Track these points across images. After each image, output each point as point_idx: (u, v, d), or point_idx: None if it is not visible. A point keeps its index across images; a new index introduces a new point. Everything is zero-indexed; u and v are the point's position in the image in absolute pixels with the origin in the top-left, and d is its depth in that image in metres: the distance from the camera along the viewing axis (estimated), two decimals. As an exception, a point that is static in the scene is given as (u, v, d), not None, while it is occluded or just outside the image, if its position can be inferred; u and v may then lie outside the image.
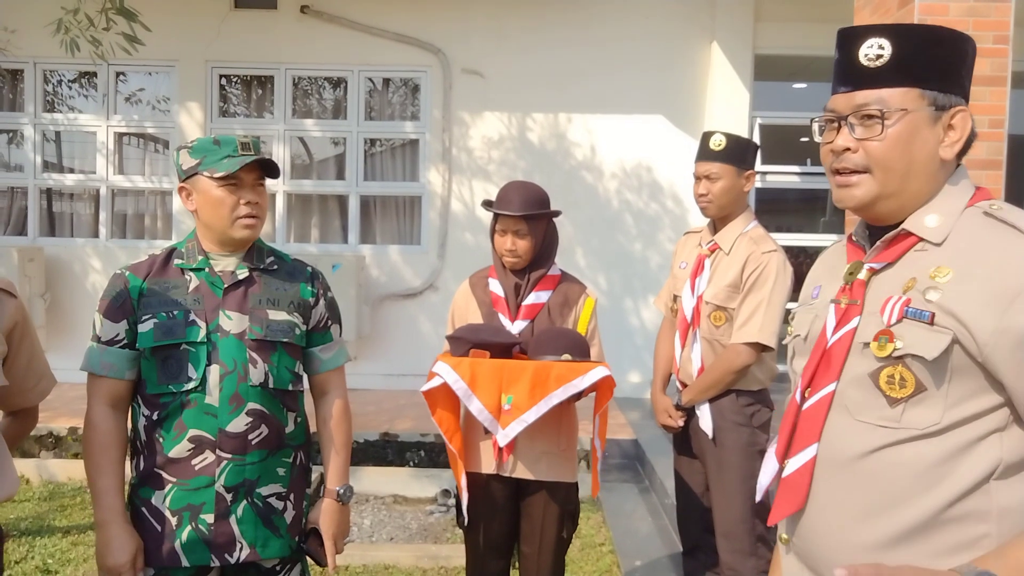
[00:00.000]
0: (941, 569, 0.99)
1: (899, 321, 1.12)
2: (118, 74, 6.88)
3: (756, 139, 6.59)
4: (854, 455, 1.14)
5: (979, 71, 3.38)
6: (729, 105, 6.43)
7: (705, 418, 2.56)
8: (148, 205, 7.10)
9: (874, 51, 1.16)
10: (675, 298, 2.71)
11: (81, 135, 7.03)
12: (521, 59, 6.58)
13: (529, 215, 2.33)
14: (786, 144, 6.93)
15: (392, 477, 4.73)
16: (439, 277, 6.61)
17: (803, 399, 1.23)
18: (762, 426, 2.57)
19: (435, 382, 2.25)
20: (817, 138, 1.26)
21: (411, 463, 5.06)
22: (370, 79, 6.93)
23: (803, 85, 7.18)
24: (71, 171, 7.10)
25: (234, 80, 7.06)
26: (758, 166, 6.61)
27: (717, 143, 2.55)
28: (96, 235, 6.90)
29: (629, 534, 3.96)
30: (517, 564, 2.54)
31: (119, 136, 6.97)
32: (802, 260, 8.44)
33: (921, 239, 1.17)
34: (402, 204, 6.97)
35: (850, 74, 1.19)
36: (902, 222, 1.20)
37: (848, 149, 1.19)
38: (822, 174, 5.97)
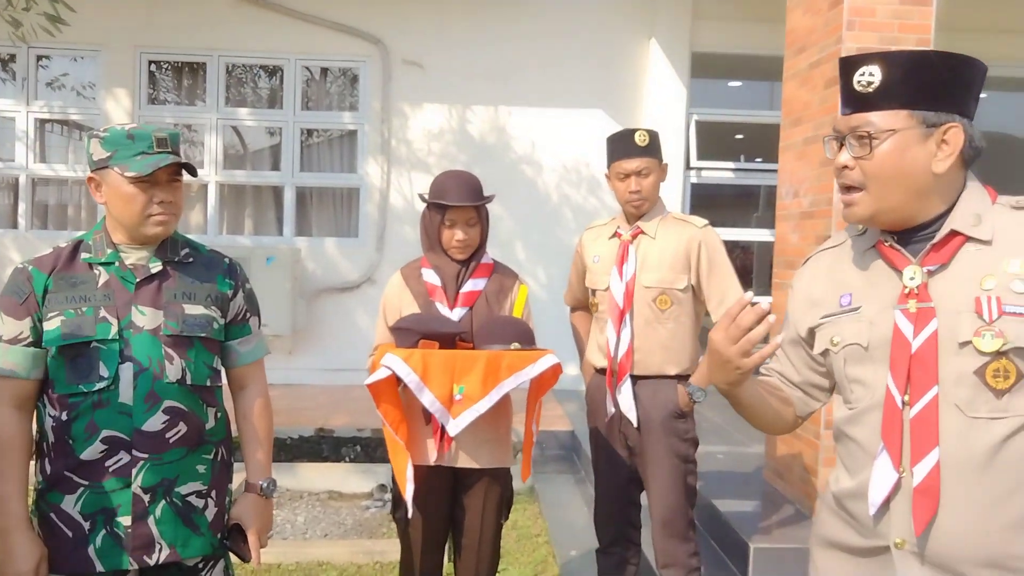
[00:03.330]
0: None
1: (1000, 317, 1.20)
2: (39, 57, 6.58)
3: (692, 135, 6.71)
4: (979, 450, 1.21)
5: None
6: (666, 101, 6.53)
7: (631, 410, 2.57)
8: (72, 195, 6.83)
9: (866, 78, 1.27)
10: (593, 292, 2.71)
11: (-2, 120, 6.71)
12: (462, 52, 6.54)
13: (479, 204, 2.36)
14: (721, 141, 7.07)
15: (327, 473, 4.65)
16: (377, 270, 6.53)
17: (904, 405, 1.26)
18: (691, 414, 2.60)
19: (381, 374, 2.22)
20: (828, 155, 1.36)
21: (347, 459, 4.99)
22: (307, 68, 6.79)
23: (738, 83, 7.34)
24: (-13, 158, 6.77)
25: (164, 66, 6.83)
26: (693, 162, 6.75)
27: (642, 139, 2.58)
28: (15, 226, 6.59)
29: (565, 525, 3.98)
30: (451, 557, 2.52)
31: (40, 123, 6.67)
32: (736, 254, 8.65)
33: (969, 238, 1.26)
34: (339, 196, 6.86)
35: (849, 98, 1.30)
36: (929, 224, 1.29)
37: (847, 167, 1.30)
38: (756, 170, 6.17)
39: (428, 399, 2.22)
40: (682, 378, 2.56)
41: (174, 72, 6.85)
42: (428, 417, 2.29)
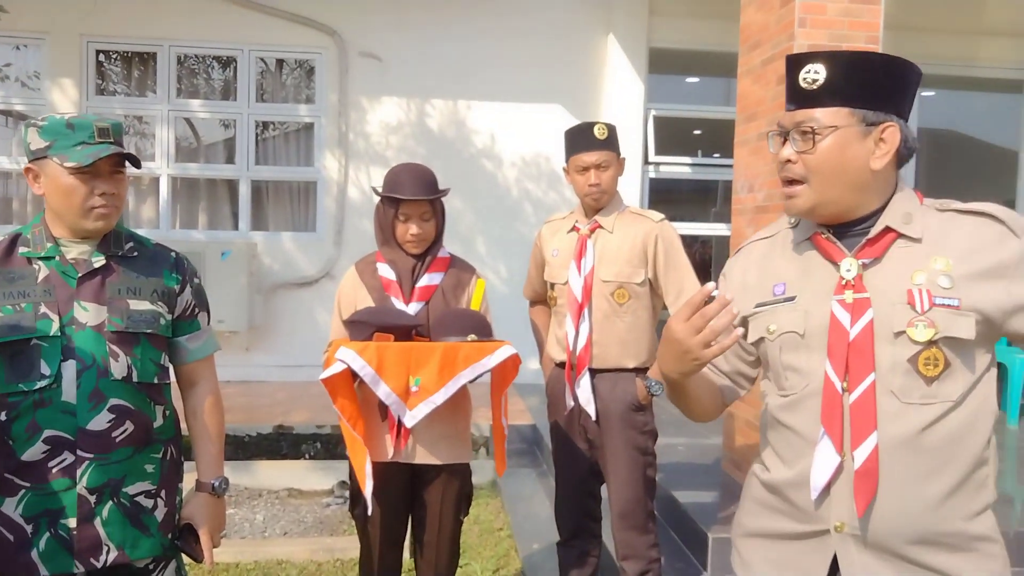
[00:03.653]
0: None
1: (931, 308, 1.27)
2: (-20, 45, 6.35)
3: (651, 130, 6.77)
4: (911, 434, 1.27)
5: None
6: (625, 97, 6.57)
7: (589, 404, 2.59)
8: (17, 188, 6.60)
9: (811, 75, 1.32)
10: (552, 286, 2.73)
11: (-63, 111, 6.47)
12: (420, 44, 6.50)
13: (433, 197, 2.33)
14: (679, 136, 7.15)
15: (287, 470, 4.60)
16: (335, 265, 6.46)
17: (844, 391, 1.30)
18: (650, 407, 2.63)
19: (336, 368, 2.19)
20: (772, 150, 1.41)
21: (307, 455, 4.94)
22: (262, 59, 6.67)
23: (696, 79, 7.42)
24: (-74, 150, 6.52)
25: (113, 56, 6.64)
26: (651, 157, 6.82)
27: (601, 132, 2.59)
28: (-44, 220, 6.37)
29: (527, 518, 4.00)
30: (411, 552, 2.52)
31: (-19, 113, 6.45)
32: (695, 248, 8.75)
33: (900, 235, 1.33)
34: (296, 190, 6.77)
35: (794, 95, 1.35)
36: (863, 220, 1.35)
37: (790, 160, 1.35)
38: (713, 165, 6.25)
39: (384, 391, 2.20)
40: (640, 371, 2.59)
41: (123, 62, 6.68)
42: (384, 412, 2.27)
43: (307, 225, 6.71)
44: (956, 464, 1.28)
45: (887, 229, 1.33)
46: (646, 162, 6.80)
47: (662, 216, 2.65)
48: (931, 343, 1.27)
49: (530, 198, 6.74)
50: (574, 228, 2.68)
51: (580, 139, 2.61)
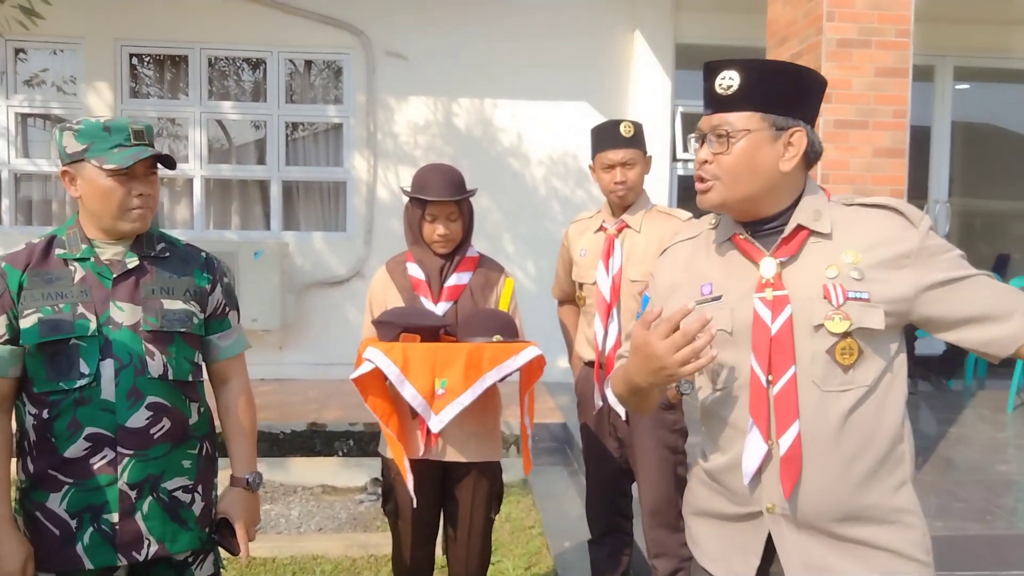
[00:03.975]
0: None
1: (845, 302, 1.36)
2: (17, 51, 6.50)
3: (678, 127, 6.74)
4: (833, 420, 1.37)
5: (882, 63, 3.53)
6: (651, 93, 6.55)
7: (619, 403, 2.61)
8: (56, 190, 6.76)
9: (726, 82, 1.40)
10: (580, 286, 2.74)
11: (-22, 116, 6.64)
12: (446, 43, 6.53)
13: (460, 198, 2.35)
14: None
15: (320, 467, 4.66)
16: (365, 265, 6.53)
17: (769, 384, 1.39)
18: (680, 405, 2.64)
19: (365, 368, 2.23)
20: (691, 153, 1.49)
21: (340, 452, 5.00)
22: (291, 61, 6.76)
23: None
24: (-32, 154, 6.69)
25: (146, 59, 6.77)
26: (679, 154, 6.79)
27: (627, 130, 2.59)
28: (-2, 222, 6.54)
29: (559, 516, 4.02)
30: (443, 548, 2.55)
31: (21, 117, 6.60)
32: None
33: (812, 232, 1.42)
34: (326, 190, 6.85)
35: (710, 100, 1.43)
36: (775, 219, 1.44)
37: (707, 161, 1.43)
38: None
39: (409, 392, 2.23)
40: None
41: (156, 65, 6.80)
42: (415, 411, 2.31)
43: (337, 225, 6.79)
44: (875, 443, 1.38)
45: (799, 227, 1.42)
46: (674, 159, 6.77)
47: (689, 215, 2.65)
48: (846, 334, 1.36)
49: (558, 196, 6.75)
50: (601, 228, 2.69)
51: (606, 137, 2.62)
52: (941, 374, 6.20)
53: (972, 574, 3.12)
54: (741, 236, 1.47)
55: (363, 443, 4.97)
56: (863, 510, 1.38)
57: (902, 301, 1.37)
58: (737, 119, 1.39)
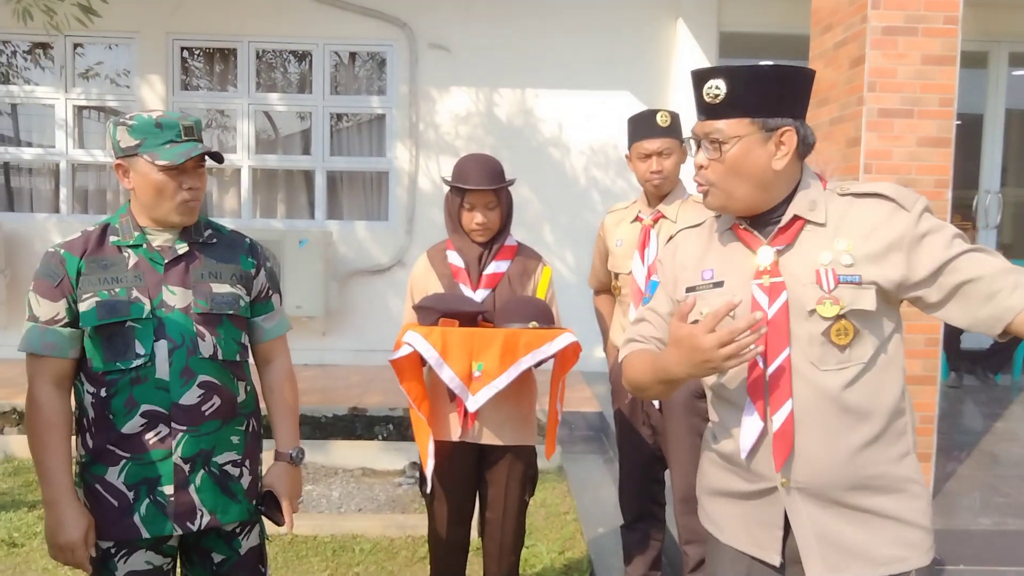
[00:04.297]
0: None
1: (836, 287, 1.43)
2: (75, 45, 6.73)
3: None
4: (832, 396, 1.44)
5: (929, 51, 3.46)
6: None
7: None
8: (110, 180, 6.99)
9: (713, 91, 1.45)
10: (616, 276, 2.76)
11: (38, 108, 6.88)
12: (488, 34, 6.57)
13: (498, 187, 2.40)
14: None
15: (361, 450, 4.78)
16: (407, 253, 6.62)
17: (765, 365, 1.46)
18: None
19: (404, 351, 2.30)
20: (690, 156, 1.56)
21: (380, 437, 5.11)
22: (335, 53, 6.86)
23: (768, 63, 7.25)
24: (29, 145, 6.95)
25: (196, 53, 6.95)
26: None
27: (664, 119, 2.61)
28: (57, 210, 6.79)
29: (593, 503, 4.06)
30: (479, 531, 2.61)
31: (78, 109, 6.84)
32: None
33: (807, 221, 1.49)
34: (369, 180, 6.95)
35: (701, 107, 1.49)
36: (775, 210, 1.50)
37: (702, 166, 1.51)
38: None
39: (448, 375, 2.29)
40: None
41: (205, 58, 6.97)
42: (453, 394, 2.36)
43: (380, 214, 6.90)
44: (875, 416, 1.45)
45: (795, 217, 1.49)
46: (716, 148, 6.70)
47: None
48: (839, 317, 1.43)
49: (598, 186, 6.75)
50: (637, 218, 2.71)
51: (642, 126, 2.64)
52: (988, 368, 6.06)
53: (1013, 570, 3.08)
54: (741, 226, 1.54)
55: (402, 428, 5.07)
56: (870, 480, 1.45)
57: (893, 283, 1.42)
58: (727, 126, 1.45)
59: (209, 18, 6.57)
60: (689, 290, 1.58)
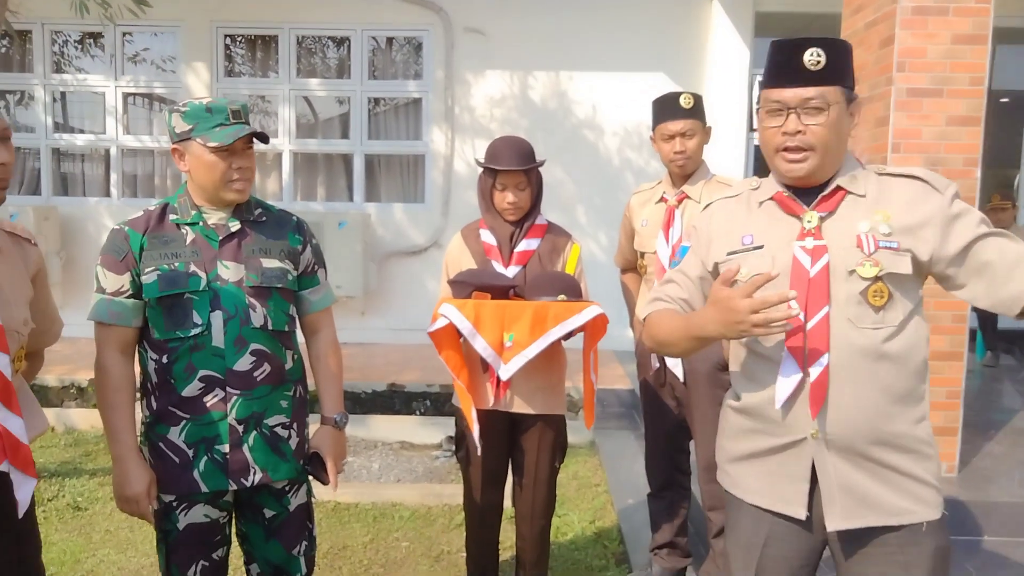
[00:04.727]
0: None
1: (876, 251, 1.55)
2: (124, 34, 6.96)
3: (756, 97, 6.65)
4: (867, 353, 1.56)
5: (960, 30, 3.47)
6: (729, 63, 6.49)
7: (677, 365, 2.73)
8: (158, 165, 7.25)
9: (814, 58, 1.55)
10: (642, 255, 2.85)
11: (90, 96, 7.14)
12: (522, 17, 6.63)
13: (528, 168, 2.50)
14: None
15: (399, 425, 4.96)
16: (443, 235, 6.76)
17: (805, 320, 1.57)
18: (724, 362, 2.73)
19: (441, 323, 2.43)
20: (767, 125, 1.62)
21: (417, 412, 5.28)
22: (373, 38, 7.00)
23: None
24: (81, 132, 7.23)
25: (239, 40, 7.14)
26: (757, 124, 6.71)
27: (687, 101, 2.68)
28: (108, 194, 7.06)
29: (624, 476, 4.17)
30: (512, 499, 2.74)
31: (127, 96, 7.09)
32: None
33: (849, 192, 1.62)
34: (406, 163, 7.10)
35: (797, 75, 1.57)
36: (826, 182, 1.63)
37: (800, 131, 1.57)
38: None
39: (481, 345, 2.42)
40: None
41: (248, 45, 7.15)
42: (485, 365, 2.48)
43: (416, 196, 7.04)
44: (903, 376, 1.57)
45: (838, 188, 1.62)
46: (751, 129, 6.71)
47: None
48: (877, 278, 1.55)
49: (631, 167, 6.80)
50: (662, 199, 2.79)
51: (666, 108, 2.72)
52: (1026, 349, 6.01)
53: (1038, 543, 3.12)
54: (785, 194, 1.65)
55: (439, 403, 5.23)
56: (892, 437, 1.57)
57: (926, 254, 1.55)
58: (830, 92, 1.55)
59: (251, 6, 6.75)
60: (731, 254, 1.68)
